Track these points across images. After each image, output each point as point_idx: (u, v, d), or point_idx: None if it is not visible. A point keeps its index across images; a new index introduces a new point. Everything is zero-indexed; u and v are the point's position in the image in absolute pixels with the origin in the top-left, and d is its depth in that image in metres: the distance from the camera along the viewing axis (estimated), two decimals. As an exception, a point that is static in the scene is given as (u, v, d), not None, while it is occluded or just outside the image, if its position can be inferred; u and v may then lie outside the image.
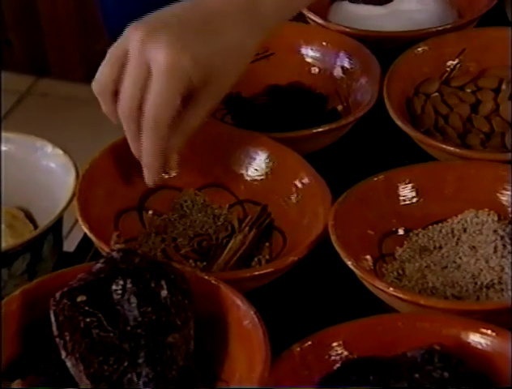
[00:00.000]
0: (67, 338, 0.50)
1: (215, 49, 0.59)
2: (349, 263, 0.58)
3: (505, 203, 0.63)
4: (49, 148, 0.71)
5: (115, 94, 0.60)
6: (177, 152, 0.62)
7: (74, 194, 0.64)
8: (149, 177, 0.61)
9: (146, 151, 0.60)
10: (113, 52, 0.60)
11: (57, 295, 0.51)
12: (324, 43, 0.76)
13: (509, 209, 0.63)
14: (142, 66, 0.58)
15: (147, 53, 0.58)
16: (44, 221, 0.67)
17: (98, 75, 0.61)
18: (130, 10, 0.81)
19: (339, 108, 0.75)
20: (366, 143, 0.73)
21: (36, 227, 0.71)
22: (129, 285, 0.52)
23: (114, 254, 0.53)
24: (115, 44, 0.60)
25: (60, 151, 0.71)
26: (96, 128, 1.78)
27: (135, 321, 0.51)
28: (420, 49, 0.73)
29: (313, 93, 0.76)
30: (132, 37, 0.58)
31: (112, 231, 0.63)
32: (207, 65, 0.59)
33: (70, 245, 0.71)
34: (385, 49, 0.75)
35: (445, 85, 0.73)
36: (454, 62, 0.74)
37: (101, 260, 0.53)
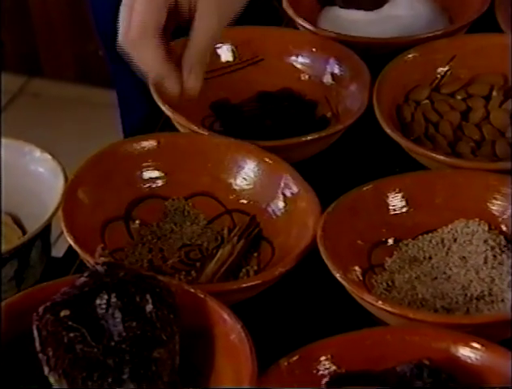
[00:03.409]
0: (50, 353, 0.50)
1: None
2: (337, 275, 0.57)
3: (495, 212, 0.62)
4: (38, 153, 0.71)
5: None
6: (197, 68, 0.63)
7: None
8: (169, 88, 0.63)
9: (146, 59, 0.61)
10: None
11: (40, 310, 0.51)
12: (314, 49, 0.76)
13: (500, 219, 0.62)
14: None
15: None
16: (32, 226, 0.66)
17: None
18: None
19: (329, 115, 0.74)
20: (356, 151, 0.72)
21: (24, 232, 0.70)
22: (113, 299, 0.51)
23: (98, 267, 0.53)
24: None
25: (48, 156, 0.70)
26: (87, 128, 1.78)
27: (120, 336, 0.50)
28: (410, 56, 0.72)
29: (303, 100, 0.75)
30: None
31: (98, 241, 0.62)
32: None
33: (59, 249, 0.70)
34: (375, 56, 0.74)
35: (435, 92, 0.73)
36: (445, 69, 0.73)
37: (85, 274, 0.53)
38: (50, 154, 0.71)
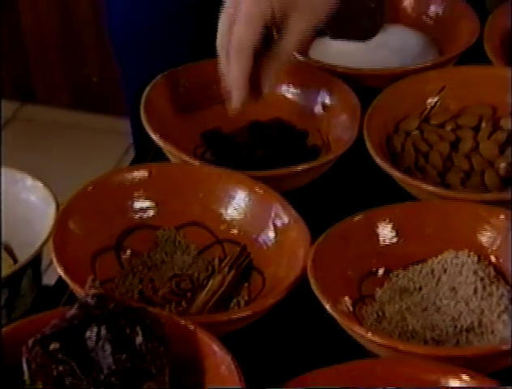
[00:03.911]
0: (40, 387, 0.50)
1: None
2: (327, 307, 0.57)
3: (484, 243, 0.63)
4: (29, 181, 0.71)
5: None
6: (273, 77, 0.70)
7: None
8: (237, 99, 0.69)
9: (232, 73, 0.68)
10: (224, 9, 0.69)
11: (30, 342, 0.51)
12: (305, 80, 0.76)
13: (489, 250, 0.63)
14: (232, 3, 0.68)
15: None
16: (23, 255, 0.66)
17: (218, 40, 0.70)
18: (135, 25, 0.83)
19: (320, 144, 0.74)
20: (346, 181, 0.72)
21: (15, 261, 0.70)
22: (103, 332, 0.51)
23: (88, 299, 0.52)
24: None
25: (40, 184, 0.70)
26: (82, 153, 1.78)
27: (109, 369, 0.50)
28: (400, 87, 0.73)
29: (294, 130, 0.76)
30: None
31: (89, 272, 0.62)
32: (293, 6, 0.67)
33: (51, 277, 0.70)
34: (365, 86, 0.75)
35: (425, 123, 0.73)
36: (435, 100, 0.74)
37: (75, 306, 0.52)
38: (42, 182, 0.71)
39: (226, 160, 0.73)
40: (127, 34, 0.88)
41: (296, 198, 0.67)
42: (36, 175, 0.72)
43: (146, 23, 0.91)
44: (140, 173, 0.67)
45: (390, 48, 0.80)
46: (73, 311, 0.52)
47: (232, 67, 0.68)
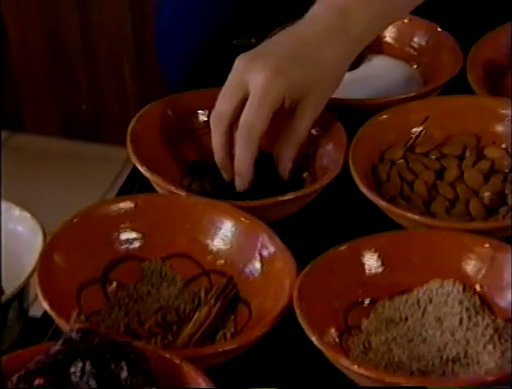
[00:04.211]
0: (24, 423, 0.49)
1: (308, 71, 0.68)
2: (313, 339, 0.57)
3: (469, 272, 0.63)
4: (17, 211, 0.71)
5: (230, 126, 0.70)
6: (291, 162, 0.71)
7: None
8: (240, 184, 0.70)
9: (239, 159, 0.69)
10: (227, 84, 0.70)
11: (14, 378, 0.50)
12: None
13: (474, 279, 0.63)
14: (241, 86, 0.68)
15: (247, 76, 0.68)
16: (10, 287, 0.66)
17: (217, 107, 0.70)
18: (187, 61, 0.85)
19: (305, 174, 0.75)
20: (332, 210, 0.73)
21: (1, 292, 0.70)
22: (88, 367, 0.51)
23: (73, 334, 0.52)
24: (230, 76, 0.70)
25: (27, 214, 0.70)
26: (71, 181, 1.78)
27: (94, 404, 0.50)
28: (385, 116, 0.74)
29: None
30: (236, 64, 0.69)
31: (74, 305, 0.62)
32: (301, 85, 0.68)
33: (38, 308, 0.69)
34: (351, 116, 0.75)
35: (410, 152, 0.73)
36: (419, 129, 0.74)
37: (59, 341, 0.52)
38: (30, 212, 0.71)
39: (213, 191, 0.73)
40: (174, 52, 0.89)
41: (282, 227, 0.67)
42: (25, 205, 0.72)
43: (193, 42, 0.92)
44: (126, 205, 0.67)
45: (375, 78, 0.81)
46: (57, 346, 0.52)
47: (239, 153, 0.68)
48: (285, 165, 0.71)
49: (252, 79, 0.68)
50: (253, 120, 0.67)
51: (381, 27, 0.75)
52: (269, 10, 0.91)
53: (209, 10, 0.95)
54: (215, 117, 0.70)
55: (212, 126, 0.70)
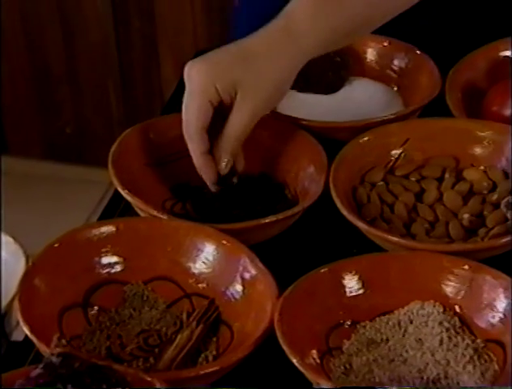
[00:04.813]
0: None
1: (246, 72, 0.69)
2: (294, 361, 0.57)
3: (449, 294, 0.63)
4: (-1, 236, 0.71)
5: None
6: (230, 156, 0.71)
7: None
8: (207, 181, 0.72)
9: (193, 156, 0.70)
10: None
11: (-6, 404, 0.50)
12: (272, 132, 0.77)
13: (454, 300, 0.63)
14: (187, 88, 0.70)
15: (189, 78, 0.70)
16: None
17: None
18: None
19: (288, 196, 0.75)
20: (314, 232, 0.73)
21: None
22: (68, 391, 0.51)
23: (53, 358, 0.52)
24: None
25: (10, 239, 0.70)
26: (56, 205, 1.77)
27: (75, 429, 0.50)
28: (365, 139, 0.74)
29: (269, 182, 0.76)
30: (185, 69, 0.71)
31: (55, 329, 0.62)
32: (238, 85, 0.68)
33: (22, 331, 0.69)
34: (331, 139, 0.76)
35: (390, 174, 0.74)
36: (399, 152, 0.75)
37: (40, 365, 0.52)
38: (12, 237, 0.71)
39: (196, 213, 0.73)
40: None
41: (264, 250, 0.67)
42: (9, 230, 0.72)
43: None
44: (107, 229, 0.68)
45: (356, 100, 0.81)
46: (38, 370, 0.52)
47: (190, 150, 0.70)
48: (220, 157, 0.71)
49: (191, 79, 0.69)
50: (191, 118, 0.69)
51: (338, 41, 0.74)
52: None
53: None
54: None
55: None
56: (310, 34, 0.70)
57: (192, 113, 0.70)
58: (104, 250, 0.67)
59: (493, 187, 0.72)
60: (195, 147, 0.70)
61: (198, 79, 0.69)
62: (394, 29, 0.86)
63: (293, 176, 0.76)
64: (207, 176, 0.71)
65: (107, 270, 0.67)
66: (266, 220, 0.69)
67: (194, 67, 0.70)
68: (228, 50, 0.71)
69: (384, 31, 0.84)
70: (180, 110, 0.83)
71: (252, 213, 0.72)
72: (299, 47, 0.70)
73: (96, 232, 0.67)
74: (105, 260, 0.67)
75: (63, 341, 0.57)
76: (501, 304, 0.61)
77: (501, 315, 0.61)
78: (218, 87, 0.69)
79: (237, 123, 0.70)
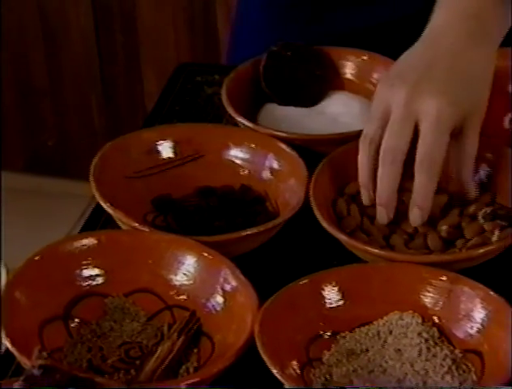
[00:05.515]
0: None
1: (470, 91, 0.68)
2: (275, 372, 0.58)
3: (428, 304, 0.64)
4: (-20, 249, 0.71)
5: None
6: (474, 180, 0.70)
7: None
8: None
9: (420, 189, 0.67)
10: (376, 110, 0.70)
11: (-26, 417, 0.50)
12: (253, 145, 0.78)
13: (432, 311, 0.64)
14: (409, 117, 0.67)
15: (415, 105, 0.67)
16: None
17: (365, 131, 0.70)
18: None
19: (269, 208, 0.76)
20: (294, 244, 0.74)
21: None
22: (49, 403, 0.51)
23: (34, 371, 0.52)
24: (376, 102, 0.70)
25: (-10, 253, 0.70)
26: (37, 219, 1.77)
27: None
28: (344, 151, 0.75)
29: (250, 194, 0.76)
30: (395, 94, 0.68)
31: (37, 342, 0.62)
32: (466, 107, 0.67)
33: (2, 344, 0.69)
34: (311, 151, 0.77)
35: (370, 186, 0.75)
36: (378, 164, 0.75)
37: (21, 378, 0.52)
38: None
39: (177, 225, 0.73)
40: None
41: (245, 262, 0.68)
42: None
43: None
44: (89, 241, 0.68)
45: (335, 114, 0.82)
46: (19, 383, 0.52)
47: (420, 183, 0.67)
48: (469, 186, 0.70)
49: (425, 108, 0.66)
50: (433, 152, 0.66)
51: (506, 30, 0.72)
52: None
53: None
54: (365, 139, 0.69)
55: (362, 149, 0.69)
56: (495, 29, 0.69)
57: (438, 151, 0.66)
58: (85, 262, 0.67)
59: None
60: (434, 180, 0.67)
61: (437, 111, 0.66)
62: (373, 43, 0.87)
63: (274, 188, 0.76)
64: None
65: (88, 282, 0.67)
66: (247, 232, 0.70)
67: (428, 100, 0.66)
68: (435, 65, 0.67)
69: (363, 45, 0.85)
70: (162, 122, 0.84)
71: (233, 225, 0.72)
72: (492, 44, 0.69)
73: (77, 244, 0.67)
74: (86, 273, 0.67)
75: (44, 354, 0.57)
76: (479, 314, 0.62)
77: (478, 326, 0.62)
78: (455, 120, 0.67)
79: (474, 149, 0.69)
